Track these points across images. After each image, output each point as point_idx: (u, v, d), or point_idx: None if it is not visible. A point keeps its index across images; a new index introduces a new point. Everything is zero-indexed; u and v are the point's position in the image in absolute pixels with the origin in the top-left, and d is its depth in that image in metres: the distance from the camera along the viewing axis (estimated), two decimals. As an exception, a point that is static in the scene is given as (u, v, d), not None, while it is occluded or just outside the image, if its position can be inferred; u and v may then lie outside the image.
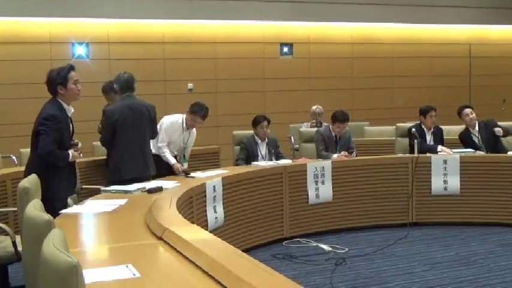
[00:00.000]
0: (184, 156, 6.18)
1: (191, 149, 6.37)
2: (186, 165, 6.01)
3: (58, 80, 4.14)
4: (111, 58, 9.46)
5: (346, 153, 6.65)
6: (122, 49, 9.57)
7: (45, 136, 4.05)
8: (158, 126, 5.80)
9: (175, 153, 6.11)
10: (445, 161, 6.47)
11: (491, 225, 6.34)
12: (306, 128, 8.63)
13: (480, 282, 4.67)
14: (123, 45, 9.60)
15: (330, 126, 6.84)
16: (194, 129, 6.28)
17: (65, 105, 4.19)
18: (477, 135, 6.97)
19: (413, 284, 4.66)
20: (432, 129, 7.08)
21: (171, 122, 6.09)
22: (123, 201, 4.01)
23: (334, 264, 5.15)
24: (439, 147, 6.82)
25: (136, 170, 5.15)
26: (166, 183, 4.80)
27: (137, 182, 4.85)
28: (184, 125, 6.08)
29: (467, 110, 7.04)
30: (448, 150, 6.77)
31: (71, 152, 4.24)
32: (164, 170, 5.78)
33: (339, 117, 6.66)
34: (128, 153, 5.14)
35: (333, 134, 6.77)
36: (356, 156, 6.77)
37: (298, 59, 10.87)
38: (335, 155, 6.59)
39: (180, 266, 2.42)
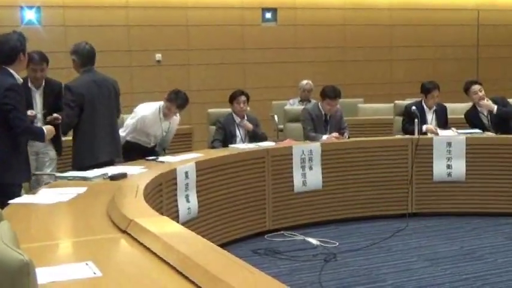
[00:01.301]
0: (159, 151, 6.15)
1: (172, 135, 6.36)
2: None
3: (21, 47, 4.24)
4: (66, 25, 9.35)
5: (337, 134, 6.68)
6: (79, 14, 9.45)
7: (16, 112, 4.09)
8: (130, 118, 5.91)
9: (152, 144, 6.09)
10: (449, 143, 6.52)
11: (501, 215, 6.42)
12: (292, 105, 8.65)
13: (487, 280, 4.74)
14: (81, 10, 9.48)
15: (319, 104, 6.85)
16: (177, 116, 6.24)
17: (15, 75, 4.23)
18: (486, 114, 6.99)
19: (412, 282, 4.72)
20: (435, 107, 7.09)
21: (143, 117, 5.99)
22: (81, 190, 4.00)
23: (324, 261, 5.19)
24: (424, 127, 6.84)
25: (109, 152, 5.22)
26: (132, 169, 4.79)
27: (109, 166, 4.89)
28: (161, 115, 6.03)
29: (476, 87, 6.97)
30: (433, 129, 6.82)
31: (45, 127, 4.32)
32: (133, 153, 5.77)
33: (329, 93, 6.67)
34: (99, 134, 5.18)
35: (323, 113, 6.78)
36: (348, 137, 6.80)
37: (282, 26, 10.83)
38: (325, 137, 6.61)
39: (148, 263, 2.43)
